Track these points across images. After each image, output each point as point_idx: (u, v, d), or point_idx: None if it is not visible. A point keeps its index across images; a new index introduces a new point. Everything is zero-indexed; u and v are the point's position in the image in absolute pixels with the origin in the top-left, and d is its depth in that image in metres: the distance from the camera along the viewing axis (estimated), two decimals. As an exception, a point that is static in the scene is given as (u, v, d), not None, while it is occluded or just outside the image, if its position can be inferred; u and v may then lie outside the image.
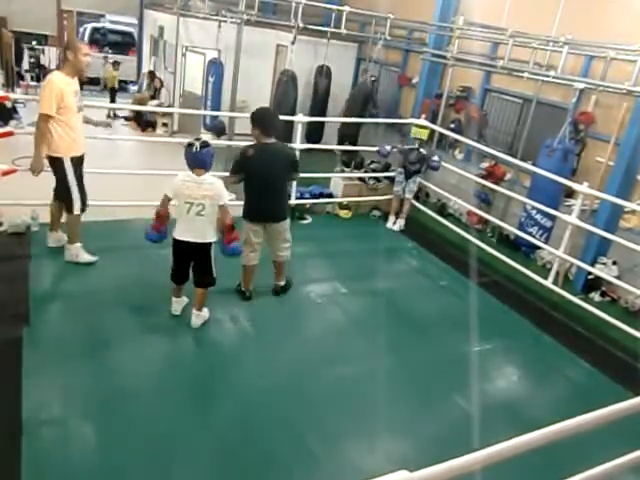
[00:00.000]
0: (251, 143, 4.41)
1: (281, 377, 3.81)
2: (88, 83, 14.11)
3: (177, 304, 4.29)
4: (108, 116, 11.20)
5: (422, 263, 6.26)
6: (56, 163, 4.54)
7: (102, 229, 5.50)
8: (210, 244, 4.02)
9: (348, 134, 9.43)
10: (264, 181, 4.38)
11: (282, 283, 4.86)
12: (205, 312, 4.26)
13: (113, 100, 12.33)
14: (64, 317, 4.13)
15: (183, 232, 3.95)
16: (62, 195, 4.67)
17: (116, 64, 12.53)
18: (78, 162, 4.66)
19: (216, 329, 4.30)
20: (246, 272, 4.62)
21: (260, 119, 4.35)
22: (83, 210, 4.76)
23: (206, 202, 3.89)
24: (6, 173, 4.88)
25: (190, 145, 3.85)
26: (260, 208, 4.49)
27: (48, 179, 5.88)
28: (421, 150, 7.07)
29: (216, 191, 3.90)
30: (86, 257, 4.84)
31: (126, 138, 9.76)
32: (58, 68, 5.17)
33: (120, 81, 13.00)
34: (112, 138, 9.43)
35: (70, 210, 4.69)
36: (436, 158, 6.88)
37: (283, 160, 4.46)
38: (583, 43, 6.31)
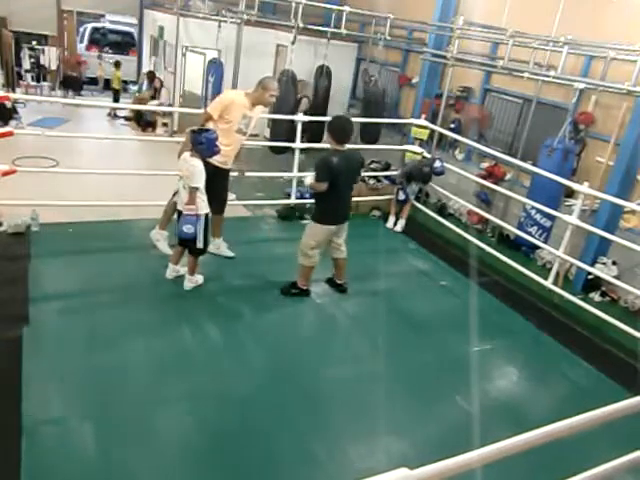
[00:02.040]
0: (329, 149, 4.63)
1: (281, 377, 3.81)
2: (88, 83, 14.13)
3: (170, 270, 4.72)
4: (109, 115, 11.22)
5: (422, 263, 6.26)
6: None
7: (102, 229, 5.50)
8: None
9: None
10: (346, 185, 4.70)
11: (345, 281, 5.12)
12: (197, 278, 4.71)
13: (116, 100, 12.31)
14: (64, 317, 4.13)
15: (178, 201, 4.55)
16: None
17: (118, 64, 12.53)
18: (212, 168, 4.69)
19: (216, 328, 4.30)
20: (309, 271, 4.89)
21: (339, 129, 4.59)
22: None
23: (185, 179, 4.39)
24: (6, 173, 4.89)
25: (192, 131, 4.40)
26: (342, 210, 4.83)
27: (48, 179, 5.91)
28: (423, 155, 7.05)
29: (190, 172, 4.33)
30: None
31: (126, 138, 9.77)
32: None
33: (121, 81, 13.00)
34: (112, 138, 9.47)
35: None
36: (438, 164, 6.80)
37: (356, 164, 4.76)
38: (583, 43, 6.31)
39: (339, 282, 5.15)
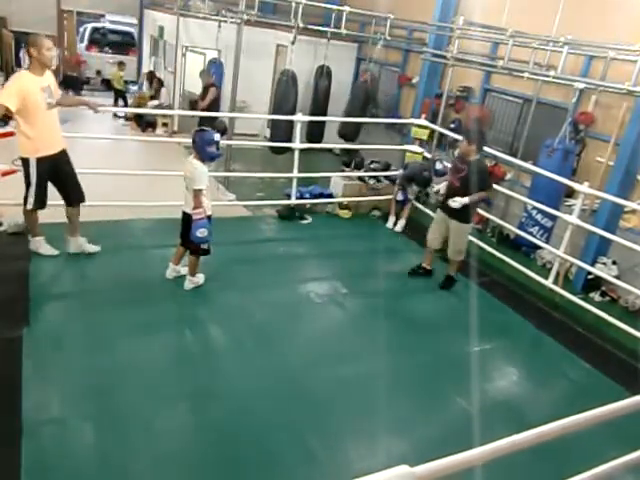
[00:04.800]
0: (479, 157, 5.00)
1: (281, 377, 3.81)
2: (87, 83, 14.12)
3: (170, 270, 4.71)
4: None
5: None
6: (23, 163, 4.59)
7: (102, 229, 5.49)
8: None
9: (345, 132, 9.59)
10: None
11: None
12: (198, 278, 4.68)
13: (117, 101, 12.25)
14: (64, 317, 4.13)
15: (184, 203, 4.52)
16: (25, 189, 4.67)
17: (122, 64, 12.50)
18: (48, 161, 4.57)
19: (216, 328, 4.31)
20: (427, 253, 5.60)
21: (481, 139, 5.08)
22: (39, 209, 4.74)
23: (187, 180, 4.38)
24: (6, 173, 4.89)
25: (196, 131, 4.38)
26: None
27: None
28: (423, 155, 7.03)
29: (192, 174, 4.30)
30: (48, 250, 4.87)
31: (126, 138, 9.76)
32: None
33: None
34: (112, 138, 9.46)
35: (24, 204, 4.71)
36: (439, 166, 6.73)
37: None
38: (583, 43, 6.31)
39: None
